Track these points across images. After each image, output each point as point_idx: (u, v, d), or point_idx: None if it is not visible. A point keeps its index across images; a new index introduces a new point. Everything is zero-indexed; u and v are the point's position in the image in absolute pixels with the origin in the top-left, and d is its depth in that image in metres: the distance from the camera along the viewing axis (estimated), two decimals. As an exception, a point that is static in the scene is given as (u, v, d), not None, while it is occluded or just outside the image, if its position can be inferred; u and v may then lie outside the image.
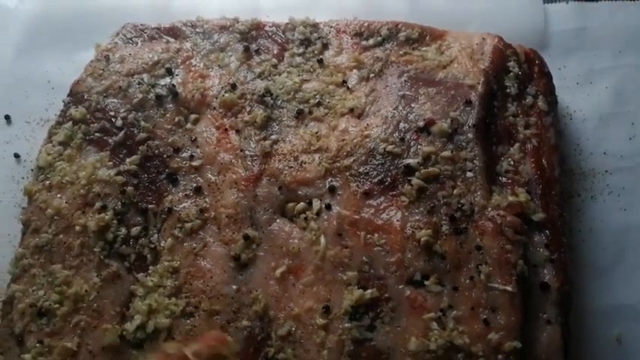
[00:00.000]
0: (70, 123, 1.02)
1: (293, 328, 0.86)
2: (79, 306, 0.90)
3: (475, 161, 0.90)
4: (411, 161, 0.90)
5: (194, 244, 0.93)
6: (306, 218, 0.92)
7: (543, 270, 0.86)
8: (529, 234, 0.88)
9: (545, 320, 0.83)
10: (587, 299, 0.99)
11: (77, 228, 0.94)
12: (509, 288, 0.81)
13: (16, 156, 1.14)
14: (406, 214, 0.87)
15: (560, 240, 0.88)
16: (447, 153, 0.90)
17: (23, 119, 1.18)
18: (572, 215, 1.05)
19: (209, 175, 0.97)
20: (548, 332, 0.83)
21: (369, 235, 0.87)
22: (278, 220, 0.93)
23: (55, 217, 0.95)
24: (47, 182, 0.98)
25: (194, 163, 0.98)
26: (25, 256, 0.94)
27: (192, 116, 1.02)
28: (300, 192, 0.94)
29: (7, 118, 1.18)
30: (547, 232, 0.88)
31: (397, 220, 0.87)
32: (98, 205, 0.95)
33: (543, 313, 0.84)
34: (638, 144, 1.08)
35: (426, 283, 0.83)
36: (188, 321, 0.88)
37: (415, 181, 0.89)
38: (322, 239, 0.89)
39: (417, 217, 0.87)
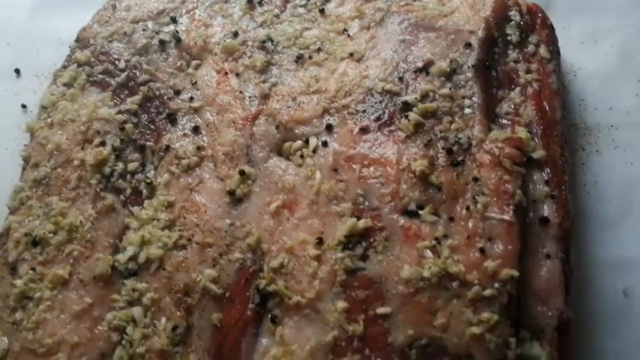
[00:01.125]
0: (75, 65, 1.02)
1: (285, 261, 0.83)
2: (72, 236, 0.89)
3: (474, 98, 0.88)
4: (408, 98, 0.89)
5: (190, 180, 0.92)
6: (302, 155, 0.90)
7: (543, 206, 0.83)
8: (529, 171, 0.85)
9: (544, 255, 0.79)
10: (593, 251, 0.95)
11: (75, 162, 0.94)
12: (506, 217, 0.77)
13: (23, 106, 1.15)
14: (402, 147, 0.85)
15: (561, 178, 0.85)
16: (445, 90, 0.88)
17: (32, 73, 1.19)
18: (576, 169, 1.02)
19: (208, 116, 0.96)
20: (547, 267, 0.79)
21: (364, 169, 0.85)
22: (274, 158, 0.91)
23: (55, 152, 0.95)
24: (49, 120, 0.98)
25: (193, 105, 0.97)
26: (23, 189, 0.94)
27: (194, 62, 1.02)
28: (297, 131, 0.92)
29: (17, 71, 1.20)
30: (547, 170, 0.85)
31: (393, 154, 0.85)
32: (97, 141, 0.95)
33: (543, 248, 0.80)
34: (646, 100, 1.05)
35: (420, 213, 0.80)
36: (180, 253, 0.87)
37: (412, 116, 0.87)
38: (317, 174, 0.87)
39: (414, 150, 0.85)
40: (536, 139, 0.87)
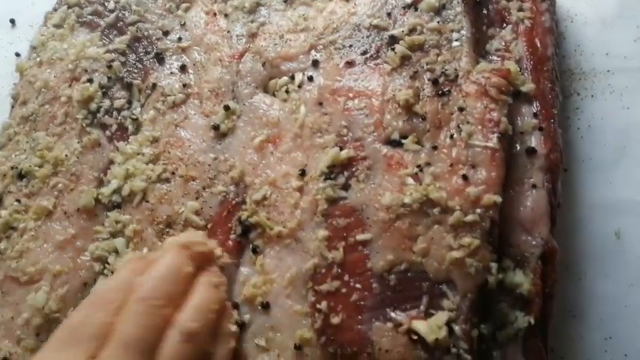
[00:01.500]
0: (65, 7, 1.02)
1: (268, 193, 0.82)
2: (58, 169, 0.89)
3: (462, 32, 0.86)
4: (395, 32, 0.87)
5: (175, 116, 0.91)
6: (287, 91, 0.89)
7: (531, 138, 0.81)
8: (518, 105, 0.83)
9: (530, 185, 0.78)
10: (586, 194, 0.93)
11: (63, 99, 0.94)
12: (490, 144, 0.76)
13: (17, 55, 1.16)
14: (388, 79, 0.84)
15: (550, 111, 0.83)
16: (433, 24, 0.87)
17: (27, 23, 1.19)
18: (570, 113, 0.99)
19: (195, 55, 0.96)
20: (533, 196, 0.77)
21: (349, 101, 0.84)
22: (260, 94, 0.91)
23: (43, 90, 0.95)
24: (38, 59, 0.99)
25: (181, 45, 0.97)
26: (11, 126, 0.95)
27: (184, 5, 1.01)
28: (283, 67, 0.91)
29: (12, 21, 1.21)
30: (537, 103, 0.83)
31: (378, 85, 0.84)
32: (84, 78, 0.95)
33: (529, 179, 0.78)
34: (643, 46, 1.02)
35: (404, 142, 0.79)
36: (164, 186, 0.86)
37: (399, 48, 0.85)
38: (302, 108, 0.86)
39: (399, 82, 0.83)
40: (526, 74, 0.85)
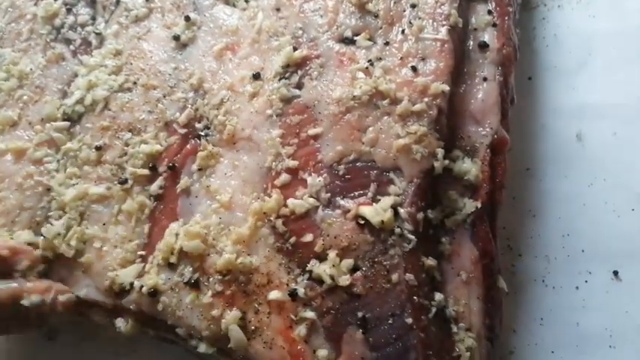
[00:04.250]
0: None
1: (226, 97, 0.84)
2: (23, 83, 0.92)
3: None
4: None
5: (138, 30, 0.93)
6: (246, 0, 0.91)
7: (484, 33, 0.82)
8: (473, 4, 0.84)
9: (482, 78, 0.79)
10: (549, 100, 0.94)
11: (28, 16, 0.96)
12: (440, 36, 0.77)
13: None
14: (343, -19, 0.85)
15: (505, 9, 0.83)
16: None
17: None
18: (536, 24, 1.00)
19: (158, -28, 0.98)
20: (484, 89, 0.78)
21: (304, 4, 0.86)
22: (220, 5, 0.92)
23: (9, 9, 0.98)
24: (4, -19, 1.01)
25: (145, -37, 0.98)
26: (-22, 45, 0.98)
27: None
28: (243, -22, 0.93)
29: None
30: (492, 1, 0.84)
31: (333, -13, 0.85)
32: (49, -3, 0.97)
33: (481, 72, 0.79)
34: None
35: (356, 39, 0.81)
36: (126, 95, 0.88)
37: (354, -50, 0.86)
38: (260, 14, 0.88)
39: (354, -17, 0.84)
40: (482, -25, 0.86)
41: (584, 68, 0.94)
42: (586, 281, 0.82)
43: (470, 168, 0.74)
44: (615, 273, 0.82)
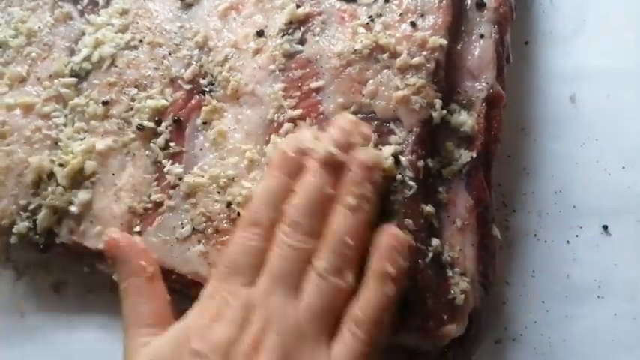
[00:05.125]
0: None
1: (230, 54, 0.88)
2: (31, 40, 0.95)
3: None
4: None
5: (144, -10, 0.96)
6: (252, -38, 0.94)
7: (482, -7, 0.85)
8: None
9: (479, 35, 0.82)
10: (544, 64, 0.97)
11: (35, -23, 0.99)
12: (438, -9, 0.80)
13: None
14: (348, -58, 0.88)
15: (503, -28, 0.87)
16: None
17: None
18: (533, -8, 1.03)
19: None
20: (481, 46, 0.81)
21: (309, -35, 0.89)
22: (225, -34, 0.95)
23: (17, -30, 1.01)
24: (13, -58, 1.04)
25: None
26: (-15, 4, 1.00)
27: None
28: (248, -60, 0.96)
29: None
30: (492, -33, 0.87)
31: (339, -53, 0.88)
32: (57, -43, 1.00)
33: (478, 30, 0.83)
34: None
35: (358, -3, 0.84)
36: (132, 53, 0.91)
37: None
38: (265, -26, 0.91)
39: (359, -56, 0.87)
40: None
41: (579, 34, 0.98)
42: (576, 235, 0.86)
43: (466, 120, 0.78)
44: (605, 228, 0.86)
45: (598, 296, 0.83)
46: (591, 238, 0.86)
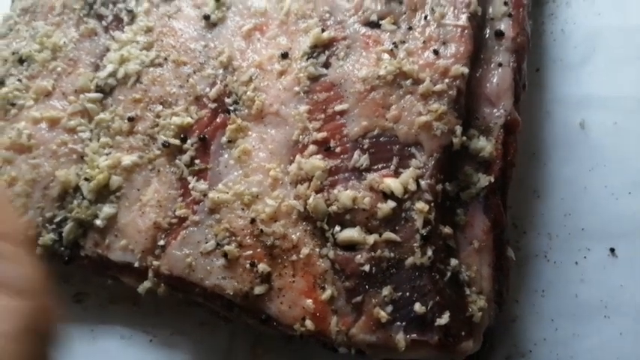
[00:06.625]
0: None
1: (254, 74, 0.93)
2: (56, 55, 1.00)
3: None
4: None
5: (168, 8, 1.01)
6: (275, -16, 0.99)
7: (501, 23, 0.91)
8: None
9: (497, 63, 0.88)
10: (555, 90, 1.04)
11: (61, -9, 1.04)
12: (460, 22, 0.86)
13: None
14: (369, -32, 0.94)
15: (520, 1, 0.93)
16: None
17: None
18: (545, 19, 1.10)
19: (188, -45, 1.06)
20: (499, 74, 0.88)
21: (332, -11, 0.94)
22: (249, -13, 1.01)
23: (42, -16, 1.05)
24: (37, -45, 1.08)
25: (175, -53, 1.06)
26: (12, 17, 1.05)
27: None
28: (272, -37, 1.01)
29: None
30: (509, -3, 0.93)
31: (360, -25, 0.94)
32: (82, -28, 1.04)
33: (497, 58, 0.89)
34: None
35: (381, 23, 0.89)
36: (157, 70, 0.97)
37: (379, -58, 0.95)
38: (288, -3, 0.97)
39: (379, -29, 0.93)
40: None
41: (588, 62, 1.04)
42: (585, 257, 0.92)
43: (485, 146, 0.84)
44: (612, 250, 0.92)
45: (605, 316, 0.89)
46: (599, 259, 0.92)
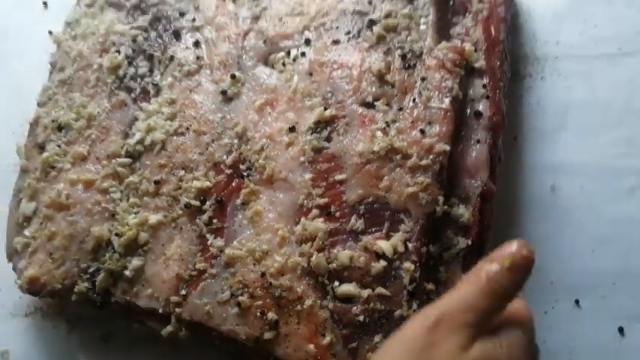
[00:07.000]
0: (96, -10, 1.27)
1: (266, 145, 1.07)
2: (91, 123, 1.14)
3: (429, 17, 1.11)
4: (374, 16, 1.12)
5: (190, 83, 1.16)
6: (283, 64, 1.14)
7: (479, 104, 1.06)
8: (471, 79, 1.08)
9: (476, 140, 1.03)
10: (530, 157, 1.18)
11: (95, 66, 1.18)
12: (444, 105, 1.01)
13: (50, 32, 1.40)
14: (366, 54, 1.09)
15: (497, 84, 1.08)
16: (405, 11, 1.12)
17: (58, 7, 1.43)
18: (523, 92, 1.25)
19: (207, 33, 1.21)
20: (477, 149, 1.02)
21: (333, 72, 1.09)
22: (261, 66, 1.15)
23: (77, 58, 1.20)
24: (73, 33, 1.23)
25: (195, 24, 1.21)
26: (50, 88, 1.19)
27: (198, -9, 1.26)
28: (281, 44, 1.16)
29: (45, 4, 1.45)
30: (486, 77, 1.08)
31: (358, 59, 1.09)
32: (113, 49, 1.19)
33: (475, 136, 1.03)
34: (587, 37, 1.27)
35: (376, 104, 1.04)
36: (180, 138, 1.11)
37: (376, 29, 1.10)
38: (295, 77, 1.11)
39: (375, 57, 1.08)
40: (480, 53, 1.11)
41: (561, 131, 1.19)
42: (553, 307, 1.06)
43: (464, 212, 0.98)
44: (577, 302, 1.06)
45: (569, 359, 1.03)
46: (565, 310, 1.06)
